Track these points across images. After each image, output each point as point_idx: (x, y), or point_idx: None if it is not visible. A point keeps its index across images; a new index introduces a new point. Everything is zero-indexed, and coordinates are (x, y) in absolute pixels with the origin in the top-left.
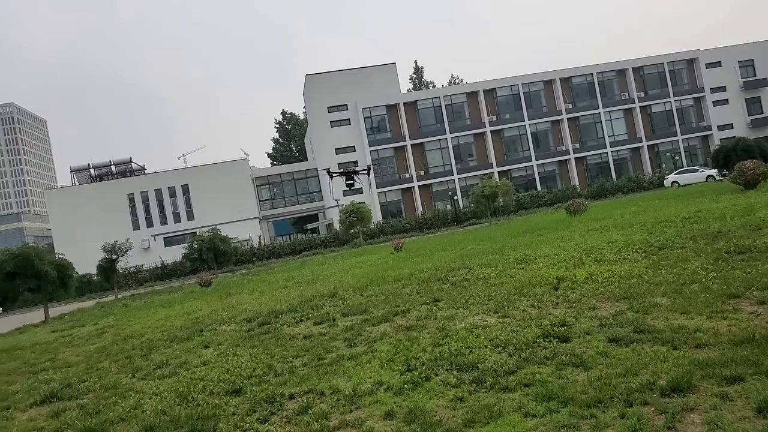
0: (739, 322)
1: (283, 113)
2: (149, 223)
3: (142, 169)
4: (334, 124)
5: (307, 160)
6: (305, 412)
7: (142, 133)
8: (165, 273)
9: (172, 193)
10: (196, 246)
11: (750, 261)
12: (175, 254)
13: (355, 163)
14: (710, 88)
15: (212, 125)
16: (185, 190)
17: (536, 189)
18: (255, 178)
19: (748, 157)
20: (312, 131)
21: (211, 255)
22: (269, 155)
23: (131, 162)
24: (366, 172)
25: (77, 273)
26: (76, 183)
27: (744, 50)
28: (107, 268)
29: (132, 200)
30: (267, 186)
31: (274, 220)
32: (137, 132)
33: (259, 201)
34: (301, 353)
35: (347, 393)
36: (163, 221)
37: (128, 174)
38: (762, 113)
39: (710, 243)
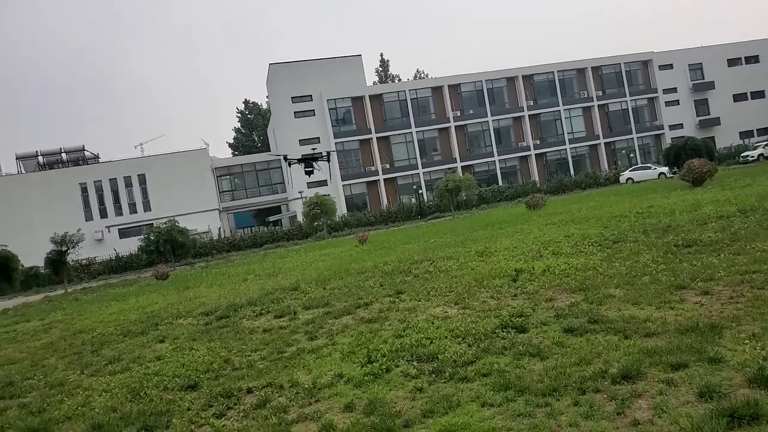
0: (684, 311)
1: (246, 102)
2: (103, 214)
3: (96, 157)
4: (298, 114)
5: (269, 150)
6: (263, 406)
7: (96, 121)
8: (120, 266)
9: (128, 183)
10: (152, 238)
11: (696, 254)
12: (130, 246)
13: (314, 149)
14: (663, 89)
15: (172, 114)
16: (142, 180)
17: (498, 184)
18: (215, 168)
19: (696, 156)
20: (275, 121)
21: (169, 247)
22: (230, 145)
23: (84, 150)
24: (326, 158)
25: (23, 266)
26: (23, 171)
27: (694, 54)
28: (56, 260)
29: (85, 190)
30: (228, 177)
31: (235, 212)
32: (91, 120)
33: (220, 192)
34: (261, 347)
35: (307, 386)
36: (118, 212)
37: (81, 162)
38: (709, 114)
39: (660, 237)
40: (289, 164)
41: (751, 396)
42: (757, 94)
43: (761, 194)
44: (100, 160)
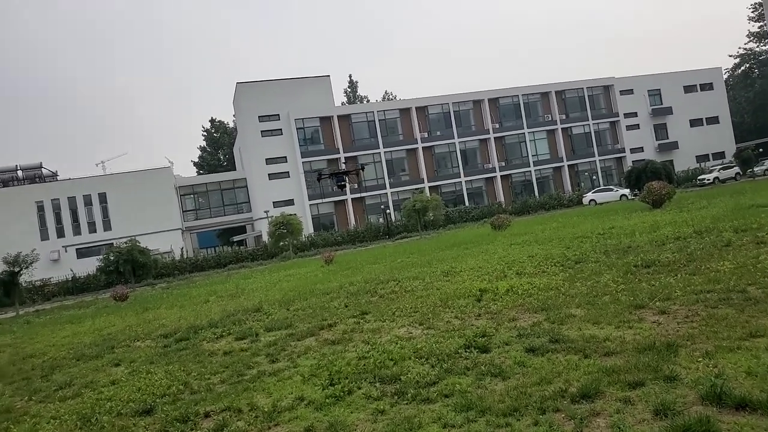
0: (642, 330)
1: (212, 121)
2: (60, 233)
3: (54, 175)
4: (265, 133)
5: (235, 169)
6: (221, 430)
7: (56, 138)
8: (76, 287)
9: (88, 202)
10: (112, 258)
11: (654, 274)
12: (88, 267)
13: (345, 162)
14: (624, 114)
15: (135, 132)
16: (102, 198)
17: (464, 204)
18: (179, 187)
19: (656, 179)
20: (241, 140)
21: (129, 267)
22: (195, 164)
23: (41, 167)
24: (355, 172)
25: None
26: None
27: (653, 80)
28: (7, 281)
29: (41, 208)
30: (192, 196)
31: (199, 231)
32: (51, 137)
33: (183, 211)
34: (220, 370)
35: (266, 410)
36: (77, 231)
37: (38, 180)
38: (668, 138)
39: (621, 257)
40: (320, 179)
41: (703, 413)
42: (712, 120)
43: (716, 216)
44: (58, 177)
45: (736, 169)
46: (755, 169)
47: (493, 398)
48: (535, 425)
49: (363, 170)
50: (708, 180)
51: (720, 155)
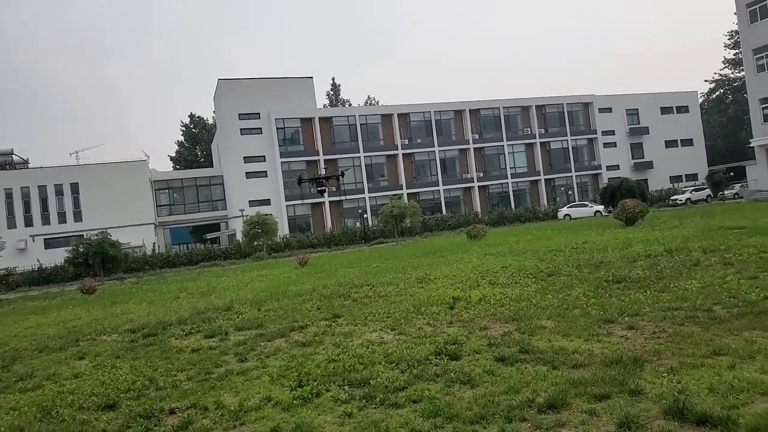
0: (611, 344)
1: (191, 116)
2: (28, 222)
3: (25, 162)
4: (244, 131)
5: (212, 166)
6: (185, 427)
7: (28, 126)
8: (42, 278)
9: (59, 191)
10: (81, 249)
11: (625, 290)
12: (56, 258)
13: (326, 168)
14: (602, 131)
15: (112, 124)
16: (74, 189)
17: (442, 213)
18: (154, 181)
19: (630, 197)
20: (220, 137)
21: (99, 260)
22: (172, 159)
23: (12, 154)
24: (337, 177)
25: None
26: None
27: (631, 100)
28: None
29: (9, 196)
30: (167, 191)
31: (172, 227)
32: (22, 124)
33: (157, 206)
34: (188, 367)
35: (233, 408)
36: (45, 221)
37: (8, 167)
38: (643, 157)
39: (593, 272)
40: (300, 183)
41: (665, 427)
42: (687, 142)
43: (686, 236)
44: (29, 165)
45: (708, 191)
46: (725, 192)
47: (461, 405)
48: None
49: (343, 176)
50: (680, 200)
51: (693, 177)
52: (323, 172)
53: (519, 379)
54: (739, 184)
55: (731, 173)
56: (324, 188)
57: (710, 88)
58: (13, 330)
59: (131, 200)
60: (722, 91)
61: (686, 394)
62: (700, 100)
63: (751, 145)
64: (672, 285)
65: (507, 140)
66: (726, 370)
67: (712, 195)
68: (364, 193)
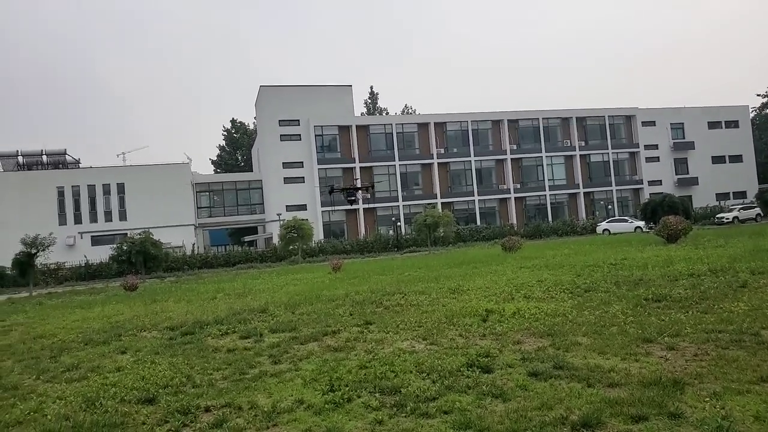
0: (649, 365)
1: (233, 121)
2: (77, 220)
3: (77, 162)
4: (283, 138)
5: (252, 171)
6: (220, 425)
7: (81, 127)
8: (89, 273)
9: (106, 191)
10: (125, 248)
11: (665, 309)
12: (101, 254)
13: (356, 180)
14: (644, 145)
15: (157, 127)
16: (120, 189)
17: (476, 223)
18: (195, 184)
19: (673, 213)
20: (260, 142)
21: (141, 258)
22: (213, 162)
23: (65, 154)
24: (367, 189)
25: None
26: (1, 169)
27: (676, 114)
28: (24, 262)
29: (62, 194)
30: (207, 193)
31: (211, 229)
32: (76, 125)
33: (197, 208)
34: (223, 366)
35: (266, 409)
36: (93, 219)
37: (61, 166)
38: (687, 173)
39: (632, 289)
40: (331, 192)
41: None
42: (735, 158)
43: (732, 256)
44: (80, 165)
45: (758, 210)
46: None
47: (493, 419)
48: None
49: (374, 187)
50: (727, 219)
51: (741, 194)
52: (358, 181)
53: (552, 395)
54: None
55: None
56: (354, 198)
57: (763, 103)
58: (61, 322)
59: (173, 201)
60: None
61: (730, 421)
62: (752, 115)
63: None
64: (716, 306)
65: (546, 152)
66: None
67: (761, 214)
68: (398, 201)
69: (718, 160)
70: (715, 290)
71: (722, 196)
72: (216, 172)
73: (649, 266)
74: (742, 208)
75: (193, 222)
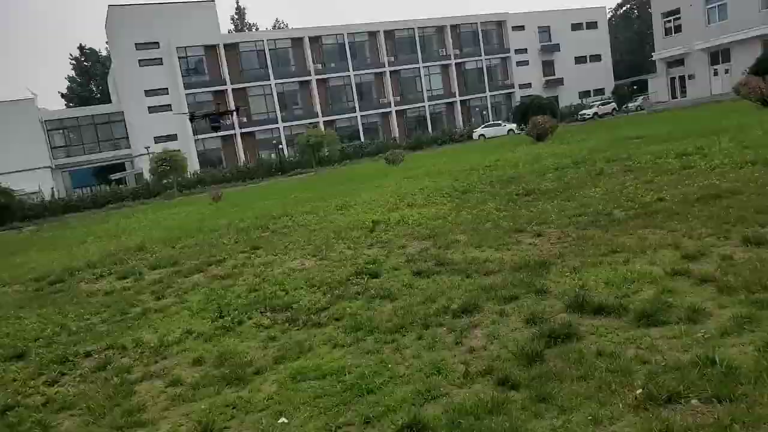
0: (520, 251)
1: (81, 48)
2: None
3: None
4: (143, 63)
5: (110, 102)
6: (103, 368)
7: None
8: None
9: None
10: None
11: (533, 201)
12: None
13: (218, 104)
14: (515, 50)
15: None
16: None
17: (360, 140)
18: (45, 121)
19: (542, 113)
20: (116, 70)
21: None
22: (64, 96)
23: None
24: (232, 113)
25: None
26: None
27: (543, 17)
28: None
29: None
30: (61, 131)
31: (71, 170)
32: None
33: (51, 148)
34: (101, 310)
35: (152, 345)
36: None
37: None
38: (554, 75)
39: (504, 187)
40: (192, 120)
41: (567, 319)
42: (595, 58)
43: (592, 148)
44: None
45: (614, 104)
46: (629, 104)
47: (381, 318)
48: (419, 339)
49: (238, 111)
50: (588, 115)
51: (600, 92)
52: (231, 105)
53: (435, 289)
54: (642, 97)
55: (635, 87)
56: (218, 124)
57: (618, 4)
58: None
59: (21, 143)
60: (629, 6)
61: (586, 289)
62: (609, 16)
63: (653, 59)
64: (577, 194)
65: (423, 62)
66: (621, 266)
67: (617, 108)
68: (277, 122)
69: (580, 60)
70: (576, 180)
71: (584, 94)
72: (68, 106)
73: (520, 165)
74: (600, 104)
75: (48, 164)
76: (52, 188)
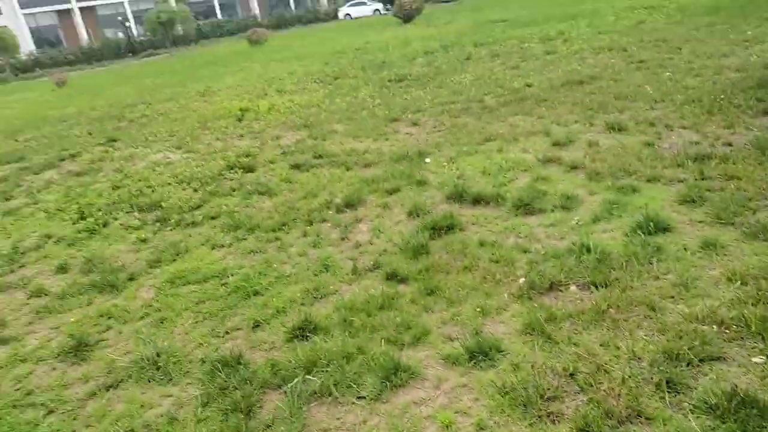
0: (397, 142)
1: None
2: None
3: None
4: None
5: None
6: None
7: None
8: None
9: None
10: None
11: (406, 88)
12: None
13: None
14: None
15: None
16: None
17: (216, 17)
18: None
19: None
20: None
21: None
22: None
23: None
24: None
25: None
26: None
27: None
28: None
29: None
30: None
31: None
32: None
33: None
34: None
35: (5, 252)
36: None
37: None
38: None
39: (376, 72)
40: None
41: (448, 210)
42: None
43: (459, 31)
44: None
45: None
46: None
47: (261, 216)
48: (303, 236)
49: None
50: None
51: None
52: None
53: (316, 183)
54: None
55: None
56: None
57: None
58: None
59: None
60: None
61: (463, 180)
62: None
63: None
64: (448, 80)
65: None
66: (495, 154)
67: None
68: None
69: None
70: (446, 65)
71: None
72: None
73: (389, 48)
74: None
75: None
76: None
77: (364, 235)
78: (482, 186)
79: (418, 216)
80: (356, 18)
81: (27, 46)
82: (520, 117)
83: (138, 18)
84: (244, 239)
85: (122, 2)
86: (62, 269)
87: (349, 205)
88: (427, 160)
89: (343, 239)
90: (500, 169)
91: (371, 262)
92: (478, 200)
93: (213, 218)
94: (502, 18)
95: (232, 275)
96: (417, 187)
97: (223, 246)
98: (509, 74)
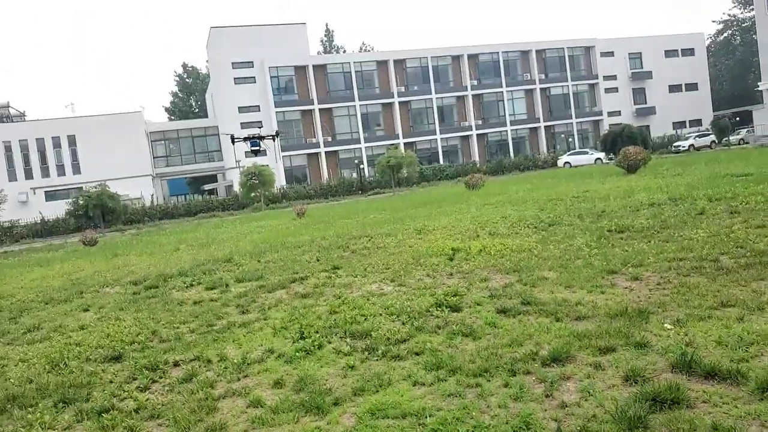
0: (614, 296)
1: (184, 66)
2: (28, 175)
3: (22, 115)
4: (238, 81)
5: (207, 116)
6: (189, 380)
7: (24, 77)
8: (45, 230)
9: (56, 144)
10: (81, 202)
11: (628, 239)
12: (57, 210)
13: (260, 126)
14: (603, 76)
15: (106, 74)
16: (72, 141)
17: (439, 162)
18: (150, 132)
19: (632, 143)
20: (214, 87)
21: (98, 212)
22: (167, 110)
23: (9, 107)
24: (272, 138)
25: None
26: None
27: (634, 43)
28: None
29: (9, 149)
30: (163, 142)
31: (169, 178)
32: (16, 75)
33: (153, 158)
34: (190, 319)
35: (236, 361)
36: (45, 173)
37: (5, 120)
38: (646, 103)
39: (595, 221)
40: (234, 142)
41: (673, 380)
42: (691, 87)
43: (690, 184)
44: (26, 117)
45: (712, 137)
46: (730, 138)
47: (464, 358)
48: (505, 386)
49: (278, 135)
50: (683, 147)
51: (697, 122)
52: (258, 132)
53: (522, 331)
54: (745, 130)
55: (737, 118)
56: (259, 148)
57: (718, 30)
58: (19, 282)
59: (128, 152)
60: (730, 32)
61: (694, 347)
62: (707, 42)
63: (758, 89)
64: (677, 234)
65: (506, 86)
66: (734, 322)
67: (716, 141)
68: (360, 143)
69: (674, 88)
70: (675, 219)
71: (678, 125)
72: (170, 119)
73: (610, 197)
74: (697, 136)
75: (150, 172)
76: (152, 195)
77: (571, 395)
78: (717, 358)
79: (636, 383)
80: (576, 166)
81: (280, 181)
82: (766, 283)
83: (371, 161)
84: (445, 380)
85: (360, 147)
86: (278, 384)
87: (557, 359)
88: (667, 325)
89: (547, 396)
90: (740, 340)
91: (578, 428)
92: (711, 374)
93: (417, 354)
94: (744, 172)
95: (429, 416)
96: (635, 349)
97: (423, 384)
98: (753, 234)
